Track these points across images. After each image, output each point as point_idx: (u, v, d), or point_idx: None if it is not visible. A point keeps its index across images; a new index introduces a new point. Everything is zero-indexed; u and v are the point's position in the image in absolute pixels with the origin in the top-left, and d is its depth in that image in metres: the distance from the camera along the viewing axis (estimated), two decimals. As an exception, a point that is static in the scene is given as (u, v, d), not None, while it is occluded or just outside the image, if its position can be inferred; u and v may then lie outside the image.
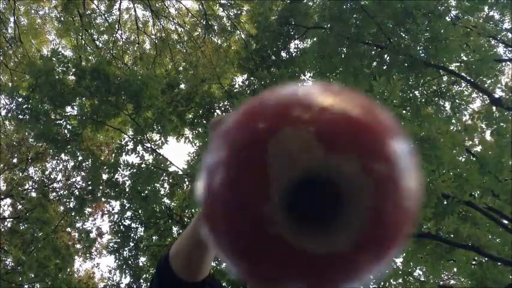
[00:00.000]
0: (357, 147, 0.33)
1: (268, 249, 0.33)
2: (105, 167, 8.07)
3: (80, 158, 8.45)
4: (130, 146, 8.06)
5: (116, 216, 8.15)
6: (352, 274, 0.35)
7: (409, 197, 0.36)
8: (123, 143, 8.26)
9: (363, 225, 0.33)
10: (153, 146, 8.13)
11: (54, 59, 7.46)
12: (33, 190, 10.86)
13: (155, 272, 0.87)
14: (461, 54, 7.15)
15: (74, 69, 7.49)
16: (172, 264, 0.81)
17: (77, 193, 8.57)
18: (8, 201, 10.94)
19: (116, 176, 7.88)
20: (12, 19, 10.76)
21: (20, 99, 7.44)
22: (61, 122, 7.73)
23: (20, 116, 7.53)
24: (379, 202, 0.33)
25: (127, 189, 7.83)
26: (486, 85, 7.62)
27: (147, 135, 8.18)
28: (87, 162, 8.44)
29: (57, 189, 10.38)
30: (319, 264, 0.33)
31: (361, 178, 0.33)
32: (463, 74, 7.30)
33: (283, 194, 0.33)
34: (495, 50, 7.72)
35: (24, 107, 7.40)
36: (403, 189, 0.35)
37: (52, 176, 11.02)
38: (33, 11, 12.14)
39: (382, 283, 6.71)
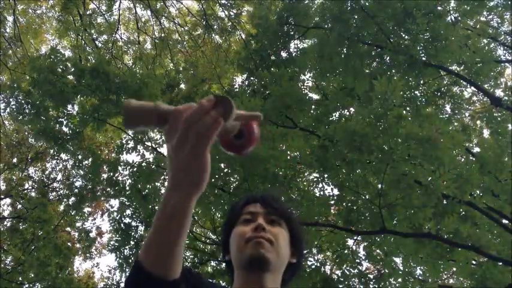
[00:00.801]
0: (246, 128, 0.88)
1: (230, 142, 0.88)
2: (105, 166, 8.07)
3: (80, 157, 8.46)
4: (131, 144, 8.07)
5: (116, 214, 8.15)
6: (246, 150, 0.89)
7: (258, 134, 0.89)
8: (123, 141, 8.26)
9: (245, 138, 0.89)
10: (153, 145, 8.14)
11: (52, 57, 7.45)
12: (33, 190, 10.87)
13: (128, 274, 0.86)
14: (462, 55, 7.15)
15: (73, 69, 7.48)
16: (144, 263, 0.82)
17: (76, 190, 8.57)
18: (8, 201, 10.95)
19: (116, 175, 7.89)
20: (11, 18, 10.77)
21: (20, 96, 7.45)
22: (62, 120, 7.74)
23: (19, 114, 7.54)
24: (251, 133, 0.87)
25: (127, 188, 7.83)
26: (486, 86, 7.62)
27: (148, 135, 8.18)
28: (86, 162, 8.45)
29: (57, 189, 10.38)
30: (239, 146, 0.88)
31: (246, 130, 0.87)
32: (463, 74, 7.30)
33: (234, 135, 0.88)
34: (494, 52, 7.74)
35: (24, 102, 7.40)
36: (257, 133, 0.89)
37: (52, 176, 11.04)
38: (30, 10, 12.14)
39: (382, 283, 6.72)
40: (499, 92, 7.95)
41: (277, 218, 1.17)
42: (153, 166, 7.81)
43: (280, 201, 1.23)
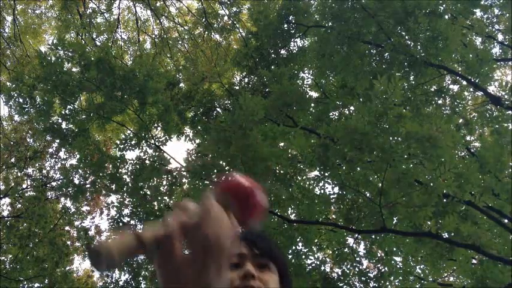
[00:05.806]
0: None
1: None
2: (107, 163, 8.06)
3: (78, 156, 8.44)
4: (134, 141, 8.06)
5: (115, 210, 8.14)
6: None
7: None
8: (127, 138, 8.25)
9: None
10: (156, 143, 8.13)
11: (59, 47, 7.42)
12: (31, 189, 10.84)
13: None
14: (462, 54, 7.14)
15: (78, 59, 7.42)
16: None
17: (76, 182, 8.53)
18: (7, 200, 10.93)
19: (119, 171, 7.89)
20: (10, 18, 10.75)
21: (23, 91, 7.42)
22: (68, 116, 7.72)
23: (22, 110, 7.51)
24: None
25: (129, 184, 7.82)
26: (486, 85, 7.61)
27: (151, 132, 8.18)
28: (88, 160, 8.43)
29: (55, 188, 10.34)
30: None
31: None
32: (462, 73, 7.29)
33: None
34: (492, 51, 7.74)
35: (28, 97, 7.37)
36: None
37: (50, 175, 11.01)
38: (30, 10, 12.12)
39: (382, 281, 6.72)
40: (496, 91, 7.95)
41: (266, 261, 1.11)
42: (156, 164, 7.80)
43: (267, 241, 1.18)
